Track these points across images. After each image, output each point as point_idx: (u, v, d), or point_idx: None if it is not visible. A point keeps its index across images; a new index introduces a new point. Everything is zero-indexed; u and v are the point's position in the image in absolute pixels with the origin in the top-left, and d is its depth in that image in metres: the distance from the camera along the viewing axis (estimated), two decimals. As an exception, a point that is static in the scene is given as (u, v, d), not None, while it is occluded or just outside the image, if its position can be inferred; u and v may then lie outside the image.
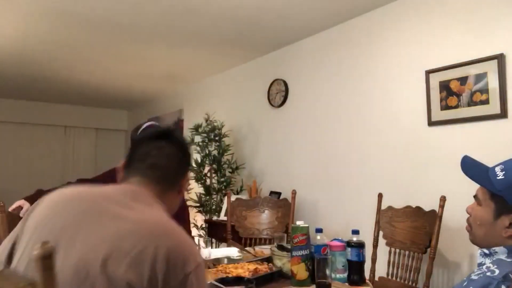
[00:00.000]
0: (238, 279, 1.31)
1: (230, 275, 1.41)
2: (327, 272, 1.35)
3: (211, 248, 2.31)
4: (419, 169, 2.61)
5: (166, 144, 1.05)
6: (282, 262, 1.61)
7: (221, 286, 1.23)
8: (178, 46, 3.80)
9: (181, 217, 2.34)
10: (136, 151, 1.05)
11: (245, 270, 1.52)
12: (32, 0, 2.80)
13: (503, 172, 1.00)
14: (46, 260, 0.64)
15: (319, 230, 1.57)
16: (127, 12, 3.00)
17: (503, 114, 2.19)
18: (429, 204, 2.20)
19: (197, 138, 4.13)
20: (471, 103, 2.34)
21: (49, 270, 0.65)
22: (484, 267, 0.96)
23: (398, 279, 2.23)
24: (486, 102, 2.27)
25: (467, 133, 2.37)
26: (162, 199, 0.99)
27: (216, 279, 1.30)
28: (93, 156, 6.90)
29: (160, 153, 1.03)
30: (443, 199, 2.09)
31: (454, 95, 2.42)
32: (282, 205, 2.92)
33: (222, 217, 3.71)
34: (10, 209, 1.70)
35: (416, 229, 2.20)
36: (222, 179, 4.05)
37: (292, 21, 3.19)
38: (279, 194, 3.56)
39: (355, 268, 1.53)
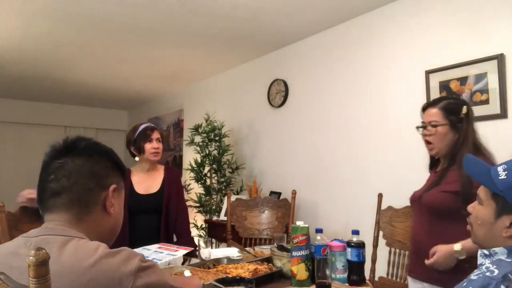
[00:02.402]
0: (238, 279, 1.30)
1: (230, 275, 1.40)
2: (327, 272, 1.35)
3: (211, 248, 2.30)
4: (419, 169, 2.60)
5: (68, 159, 0.91)
6: (282, 262, 1.61)
7: (221, 286, 1.23)
8: (178, 46, 3.80)
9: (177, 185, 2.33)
10: (39, 180, 0.92)
11: (245, 270, 1.51)
12: (32, 0, 2.80)
13: (506, 172, 0.99)
14: (40, 267, 0.62)
15: (319, 230, 1.56)
16: (127, 12, 3.00)
17: (503, 114, 2.19)
18: (429, 204, 2.19)
19: (197, 138, 4.13)
20: (471, 103, 2.33)
21: (43, 277, 0.62)
22: (483, 267, 0.96)
23: (398, 279, 2.23)
24: (486, 102, 2.27)
25: (467, 133, 2.36)
26: (81, 226, 0.88)
27: (216, 279, 1.30)
28: (93, 156, 6.91)
29: (58, 175, 0.89)
30: (443, 199, 2.08)
31: (454, 95, 2.42)
32: (282, 205, 2.92)
33: (222, 217, 3.71)
34: (19, 200, 1.65)
35: (416, 229, 2.19)
36: (222, 179, 4.05)
37: (292, 21, 3.18)
38: (279, 194, 3.56)
39: (355, 268, 1.53)
